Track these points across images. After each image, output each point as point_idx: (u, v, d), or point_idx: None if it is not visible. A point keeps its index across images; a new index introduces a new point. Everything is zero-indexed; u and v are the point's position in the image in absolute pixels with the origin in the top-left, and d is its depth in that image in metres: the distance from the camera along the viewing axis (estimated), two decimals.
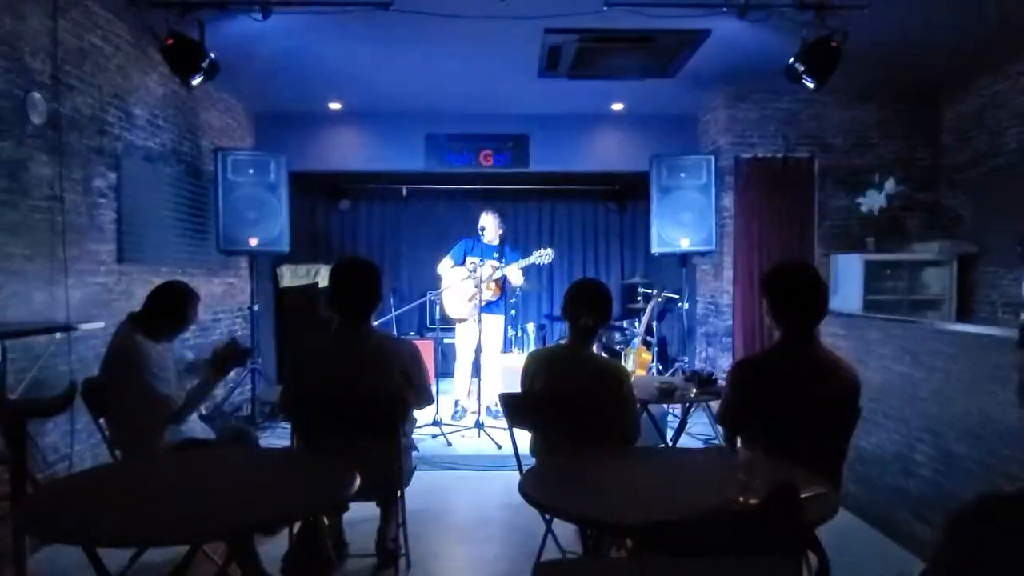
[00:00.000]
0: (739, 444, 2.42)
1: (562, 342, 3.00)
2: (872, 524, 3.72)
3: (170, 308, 3.10)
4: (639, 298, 7.18)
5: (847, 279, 5.86)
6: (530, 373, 2.89)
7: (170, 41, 3.99)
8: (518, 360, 3.96)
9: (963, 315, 5.63)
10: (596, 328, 2.83)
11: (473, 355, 5.98)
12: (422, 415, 5.08)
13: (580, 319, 2.79)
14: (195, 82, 4.14)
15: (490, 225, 6.01)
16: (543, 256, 6.00)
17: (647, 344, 6.48)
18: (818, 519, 1.76)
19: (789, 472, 2.04)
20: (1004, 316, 5.17)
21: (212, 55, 4.12)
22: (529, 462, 2.75)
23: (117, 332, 3.11)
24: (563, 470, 2.30)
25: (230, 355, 3.14)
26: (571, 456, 2.45)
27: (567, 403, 2.65)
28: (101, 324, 3.81)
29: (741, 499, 1.82)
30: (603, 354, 6.84)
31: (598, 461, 2.32)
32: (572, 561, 1.97)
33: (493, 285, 5.91)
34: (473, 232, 6.07)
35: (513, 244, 6.73)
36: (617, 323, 7.33)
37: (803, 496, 1.78)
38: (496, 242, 5.97)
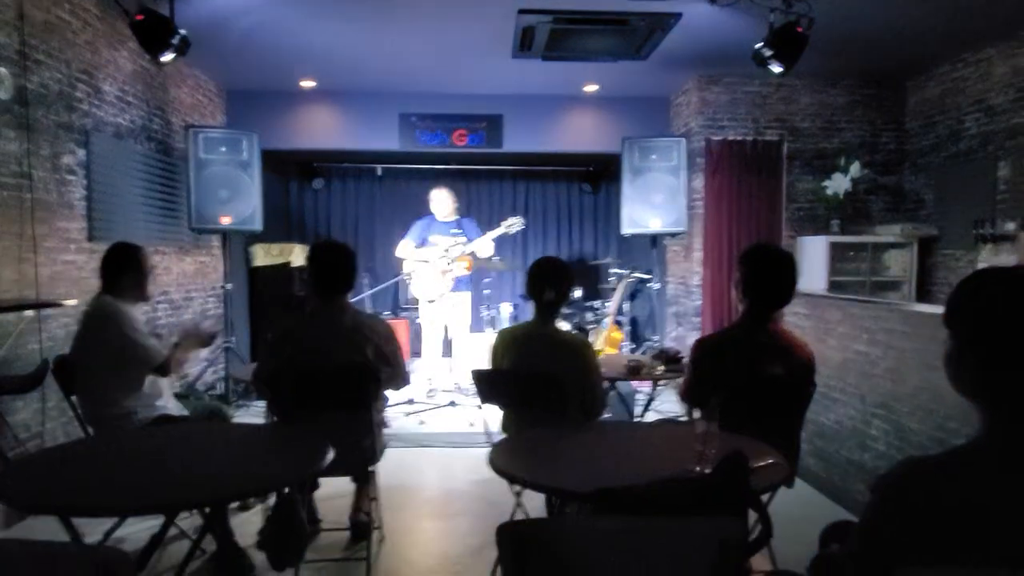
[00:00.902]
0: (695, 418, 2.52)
1: (529, 320, 3.08)
2: (829, 496, 3.88)
3: (123, 261, 3.15)
4: (611, 278, 7.27)
5: (812, 260, 6.01)
6: (498, 351, 2.97)
7: (140, 16, 3.95)
8: (492, 339, 4.02)
9: (922, 296, 5.81)
10: (559, 302, 2.93)
11: (442, 334, 6.03)
12: (395, 393, 5.14)
13: (543, 294, 2.88)
14: (165, 59, 4.11)
15: (444, 200, 6.00)
16: (513, 224, 6.03)
17: (618, 324, 6.60)
18: (768, 486, 1.87)
19: (744, 444, 2.14)
20: None
21: (183, 31, 4.08)
22: (500, 438, 2.84)
23: (90, 303, 3.14)
24: (530, 442, 2.39)
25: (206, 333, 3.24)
26: (539, 430, 2.53)
27: (534, 378, 2.73)
28: (75, 301, 3.80)
29: (697, 468, 1.92)
30: (575, 332, 6.95)
31: (564, 434, 2.41)
32: (531, 521, 2.06)
33: (466, 260, 5.95)
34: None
35: (471, 217, 6.73)
36: (589, 303, 7.44)
37: (754, 465, 1.88)
38: (453, 217, 5.97)
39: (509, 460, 2.08)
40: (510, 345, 2.96)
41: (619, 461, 2.13)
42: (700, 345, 2.70)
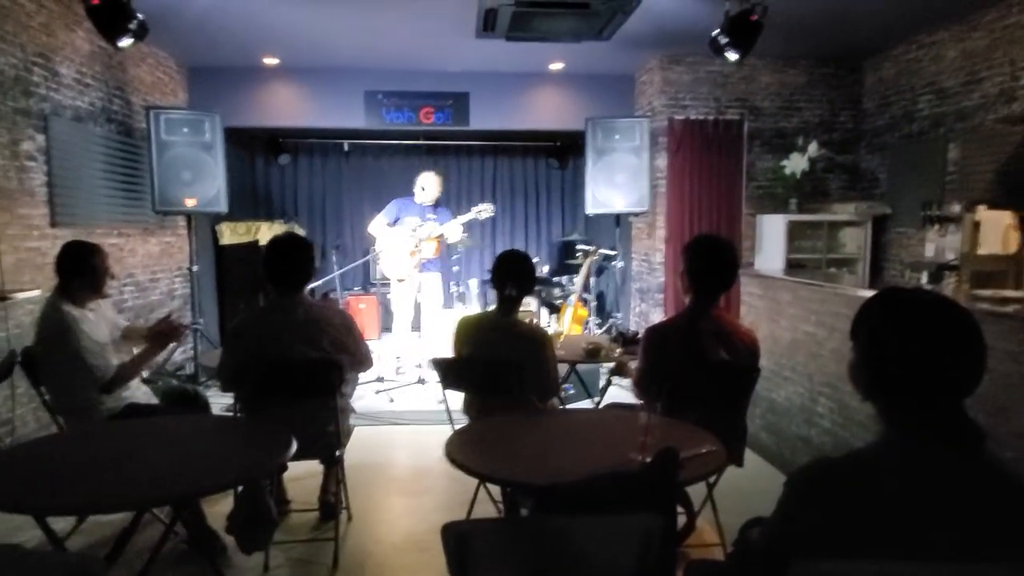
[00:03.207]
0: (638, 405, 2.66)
1: (490, 309, 3.19)
2: (780, 469, 4.07)
3: (76, 265, 3.05)
4: (578, 255, 7.38)
5: (771, 238, 6.17)
6: (460, 339, 3.08)
7: (96, 1, 3.90)
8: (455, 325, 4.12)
9: (875, 273, 6.01)
10: (520, 297, 3.05)
11: (412, 313, 6.10)
12: (364, 372, 5.22)
13: (505, 289, 2.99)
14: (124, 44, 4.07)
15: (433, 185, 5.99)
16: (483, 211, 6.05)
17: (584, 301, 6.73)
18: (701, 475, 2.01)
19: (687, 431, 2.29)
20: (910, 275, 5.55)
21: (141, 16, 4.03)
22: (462, 419, 2.97)
23: (45, 302, 3.12)
24: (485, 432, 2.51)
25: (169, 331, 3.21)
26: (496, 415, 2.65)
27: (492, 366, 2.85)
28: (37, 292, 3.82)
29: (640, 457, 2.05)
30: (543, 308, 7.09)
31: (518, 423, 2.53)
32: (472, 521, 2.19)
33: (435, 243, 5.99)
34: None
35: (447, 204, 6.75)
36: (556, 279, 7.57)
37: (690, 454, 2.02)
38: (432, 203, 6.00)
39: (463, 451, 2.19)
40: (471, 333, 3.07)
41: (568, 451, 2.26)
42: (649, 333, 2.83)
